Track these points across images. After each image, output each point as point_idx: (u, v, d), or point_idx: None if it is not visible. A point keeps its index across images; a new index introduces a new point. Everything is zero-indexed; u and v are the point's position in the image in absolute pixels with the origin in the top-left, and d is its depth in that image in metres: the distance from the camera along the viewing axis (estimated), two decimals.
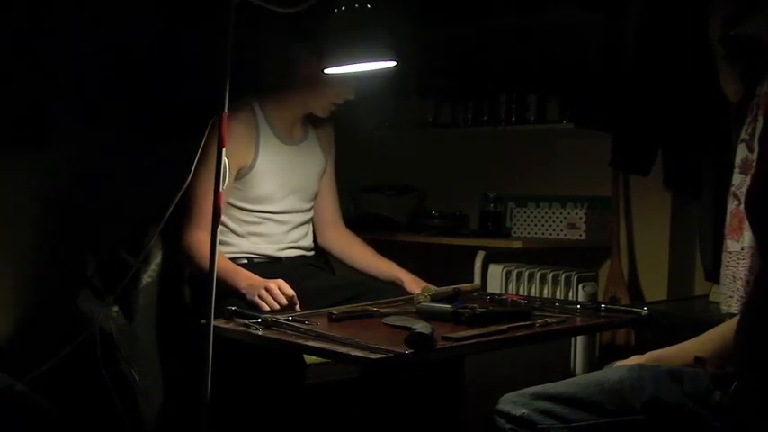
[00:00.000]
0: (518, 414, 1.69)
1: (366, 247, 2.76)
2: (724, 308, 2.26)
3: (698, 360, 1.72)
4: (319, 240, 2.79)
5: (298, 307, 2.24)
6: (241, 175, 2.50)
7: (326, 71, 2.35)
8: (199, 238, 2.43)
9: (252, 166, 2.52)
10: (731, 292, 2.23)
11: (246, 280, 2.31)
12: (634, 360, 1.81)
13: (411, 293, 2.46)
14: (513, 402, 1.72)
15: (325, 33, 2.20)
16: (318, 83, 2.50)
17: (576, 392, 1.69)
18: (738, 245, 2.21)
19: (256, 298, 2.24)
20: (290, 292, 2.24)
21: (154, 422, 2.44)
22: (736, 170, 2.27)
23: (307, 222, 2.69)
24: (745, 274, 2.18)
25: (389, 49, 2.24)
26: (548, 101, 3.35)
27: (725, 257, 2.28)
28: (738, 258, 2.21)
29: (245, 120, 2.49)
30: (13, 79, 2.88)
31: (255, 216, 2.56)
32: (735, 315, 2.08)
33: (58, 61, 2.98)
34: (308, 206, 2.69)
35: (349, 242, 2.77)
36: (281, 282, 2.26)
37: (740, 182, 2.25)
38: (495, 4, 3.38)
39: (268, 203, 2.56)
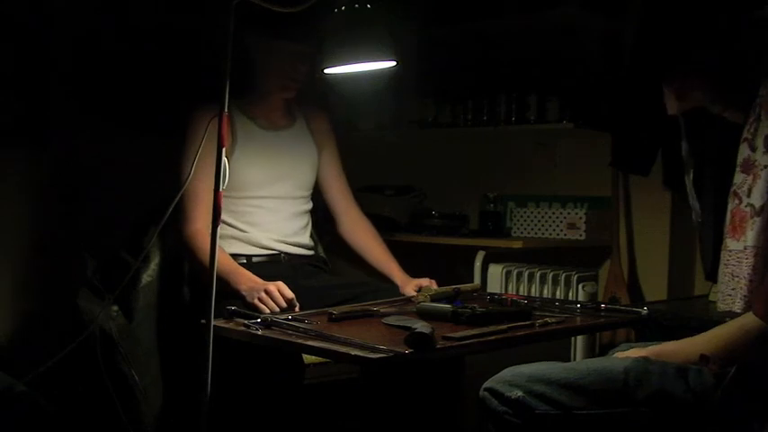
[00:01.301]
0: (513, 396, 1.64)
1: (376, 239, 2.75)
2: (721, 306, 2.26)
3: (703, 358, 1.71)
4: (338, 230, 2.79)
5: (297, 309, 2.24)
6: None
7: (326, 71, 2.36)
8: (198, 230, 2.43)
9: (232, 152, 2.52)
10: (730, 290, 2.23)
11: (247, 282, 2.31)
12: (635, 352, 1.80)
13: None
14: (508, 383, 1.67)
15: (263, 14, 2.14)
16: (268, 62, 2.52)
17: (578, 379, 1.65)
18: (740, 244, 2.21)
19: (256, 300, 2.24)
20: (290, 294, 2.24)
21: (153, 422, 2.44)
22: (738, 169, 2.26)
23: (304, 213, 2.68)
24: (749, 273, 2.17)
25: (389, 49, 2.24)
26: (548, 101, 3.35)
27: (724, 256, 2.27)
28: (740, 257, 2.20)
29: (214, 109, 2.48)
30: (13, 79, 2.88)
31: (244, 204, 2.55)
32: (735, 314, 2.08)
33: (58, 61, 2.98)
34: (303, 194, 2.68)
35: (361, 232, 2.76)
36: (280, 284, 2.26)
37: (741, 181, 2.25)
38: (495, 5, 3.38)
39: (254, 189, 2.56)
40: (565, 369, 1.71)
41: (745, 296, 2.17)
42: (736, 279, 2.21)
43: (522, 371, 1.70)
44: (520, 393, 1.65)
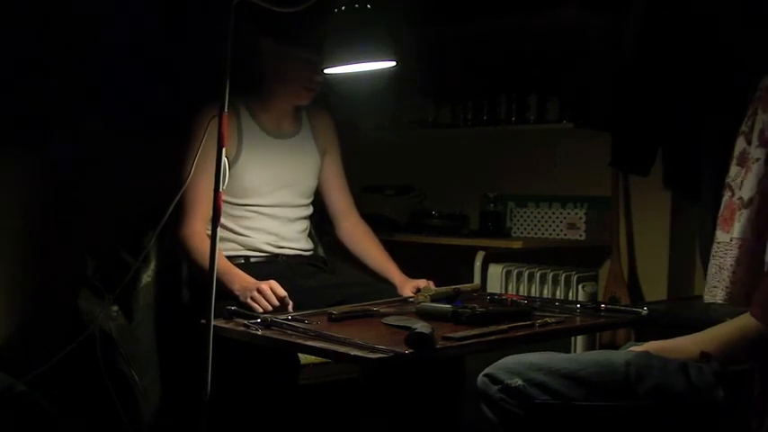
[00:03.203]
0: (513, 384, 1.64)
1: (374, 242, 2.75)
2: (707, 297, 2.26)
3: (704, 355, 1.71)
4: (337, 234, 2.80)
5: (290, 307, 2.24)
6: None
7: (326, 71, 2.36)
8: (194, 231, 2.43)
9: (236, 158, 2.52)
10: (715, 282, 2.23)
11: (240, 282, 2.31)
12: (634, 350, 1.80)
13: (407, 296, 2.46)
14: (509, 370, 1.67)
15: (278, 19, 2.14)
16: (284, 69, 2.52)
17: (579, 370, 1.65)
18: (728, 235, 2.21)
19: (249, 299, 2.24)
20: (282, 292, 2.24)
21: (153, 421, 2.44)
22: (734, 162, 2.27)
23: (303, 219, 2.68)
24: (731, 265, 2.17)
25: (389, 49, 2.24)
26: (548, 101, 3.35)
27: (714, 247, 2.28)
28: (726, 249, 2.21)
29: (217, 109, 2.47)
30: (13, 79, 2.88)
31: (245, 210, 2.55)
32: (735, 313, 2.09)
33: (58, 60, 2.98)
34: (304, 202, 2.68)
35: (361, 236, 2.77)
36: (272, 283, 2.26)
37: (736, 173, 2.26)
38: (495, 4, 3.38)
39: (256, 196, 2.56)
40: (567, 360, 1.71)
41: (727, 287, 2.18)
42: (722, 270, 2.21)
43: (524, 359, 1.70)
44: (520, 382, 1.64)
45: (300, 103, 2.62)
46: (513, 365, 1.68)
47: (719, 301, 2.17)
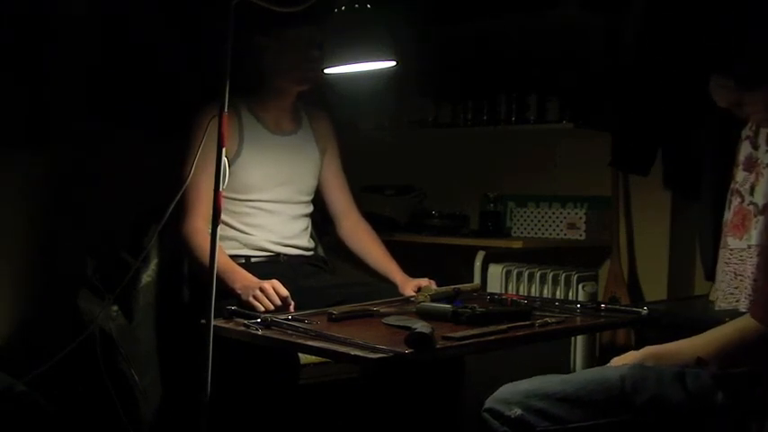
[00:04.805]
0: (513, 415, 1.64)
1: (375, 241, 2.76)
2: (722, 304, 2.26)
3: (700, 361, 1.71)
4: (338, 233, 2.80)
5: (292, 307, 2.24)
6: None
7: (326, 71, 2.36)
8: (196, 228, 2.44)
9: (237, 155, 2.52)
10: (732, 289, 2.23)
11: (242, 281, 2.31)
12: (630, 356, 1.80)
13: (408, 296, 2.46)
14: (506, 402, 1.67)
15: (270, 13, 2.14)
16: (280, 59, 2.51)
17: (575, 391, 1.66)
18: (743, 242, 2.21)
19: (251, 298, 2.24)
20: (284, 292, 2.24)
21: (153, 421, 2.44)
22: (740, 167, 2.27)
23: (304, 217, 2.68)
24: (752, 272, 2.17)
25: (389, 49, 2.24)
26: (548, 101, 3.35)
27: (724, 254, 2.27)
28: (743, 256, 2.20)
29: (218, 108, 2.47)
30: (13, 79, 2.88)
31: (246, 206, 2.56)
32: (735, 314, 2.08)
33: (58, 60, 2.98)
34: (304, 199, 2.68)
35: (362, 235, 2.77)
36: (275, 282, 2.26)
37: (743, 179, 2.25)
38: (495, 4, 3.38)
39: (256, 192, 2.56)
40: (561, 382, 1.71)
41: (749, 295, 2.17)
42: (740, 278, 2.21)
43: (519, 388, 1.70)
44: (519, 411, 1.65)
45: (307, 86, 2.60)
46: (510, 395, 1.68)
47: (742, 309, 2.17)
